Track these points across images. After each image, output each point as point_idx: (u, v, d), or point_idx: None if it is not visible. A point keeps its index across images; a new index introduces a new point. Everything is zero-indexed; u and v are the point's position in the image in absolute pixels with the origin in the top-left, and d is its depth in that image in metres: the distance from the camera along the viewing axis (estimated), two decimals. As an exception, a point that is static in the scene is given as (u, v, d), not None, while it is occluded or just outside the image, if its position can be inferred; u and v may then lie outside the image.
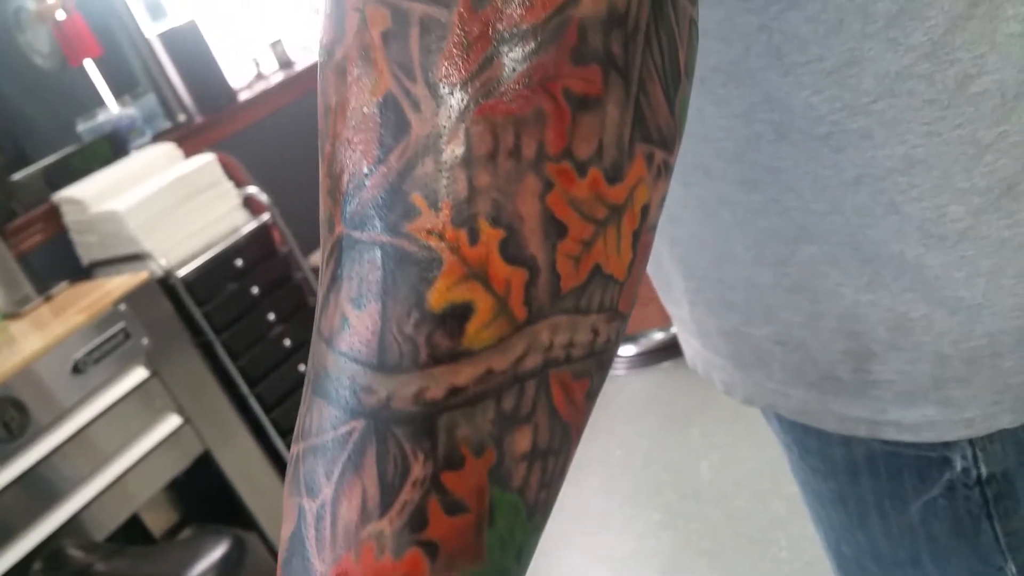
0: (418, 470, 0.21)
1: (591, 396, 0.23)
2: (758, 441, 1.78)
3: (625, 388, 2.21)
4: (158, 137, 2.13)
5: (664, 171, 0.23)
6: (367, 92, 0.21)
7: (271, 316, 1.92)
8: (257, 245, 1.93)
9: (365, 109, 0.21)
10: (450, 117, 0.20)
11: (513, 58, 0.20)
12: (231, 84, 2.31)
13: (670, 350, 2.20)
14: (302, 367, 1.95)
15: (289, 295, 1.98)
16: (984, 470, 0.43)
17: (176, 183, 1.81)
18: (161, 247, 1.76)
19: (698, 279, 0.47)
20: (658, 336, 2.23)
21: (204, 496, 1.95)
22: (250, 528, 1.89)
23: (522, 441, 0.22)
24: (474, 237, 0.20)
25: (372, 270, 0.21)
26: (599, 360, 0.23)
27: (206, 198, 1.87)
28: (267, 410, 1.88)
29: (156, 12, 2.22)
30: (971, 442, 0.42)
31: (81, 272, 1.90)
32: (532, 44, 0.20)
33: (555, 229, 0.21)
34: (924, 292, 0.38)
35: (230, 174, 1.97)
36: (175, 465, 1.68)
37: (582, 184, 0.21)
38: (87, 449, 1.55)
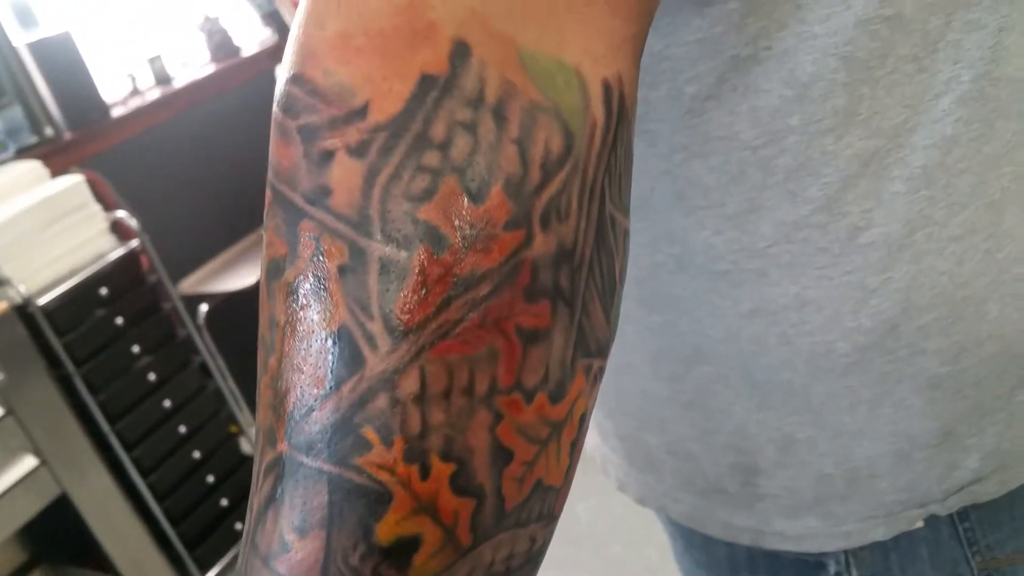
0: None
1: None
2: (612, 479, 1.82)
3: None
4: (22, 152, 2.00)
5: (599, 375, 0.24)
6: (320, 321, 0.21)
7: (136, 348, 1.82)
8: (124, 272, 1.83)
9: (316, 338, 0.21)
10: (405, 356, 0.21)
11: (470, 300, 0.21)
12: (104, 99, 2.19)
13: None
14: (167, 403, 1.87)
15: (156, 326, 1.88)
16: (855, 573, 0.45)
17: (40, 205, 1.70)
18: (21, 273, 1.65)
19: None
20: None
21: (56, 534, 1.83)
22: (105, 570, 1.78)
23: None
24: (425, 473, 0.21)
25: (317, 497, 0.21)
26: (535, 563, 0.24)
27: (71, 221, 1.77)
28: (128, 448, 1.78)
29: (26, 20, 2.09)
30: (845, 549, 0.45)
31: (-73, 296, 1.75)
32: (488, 287, 0.21)
33: (502, 457, 0.21)
34: (810, 416, 0.40)
35: (98, 195, 1.87)
36: (29, 508, 1.57)
37: (529, 410, 0.22)
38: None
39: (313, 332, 0.21)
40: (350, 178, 0.21)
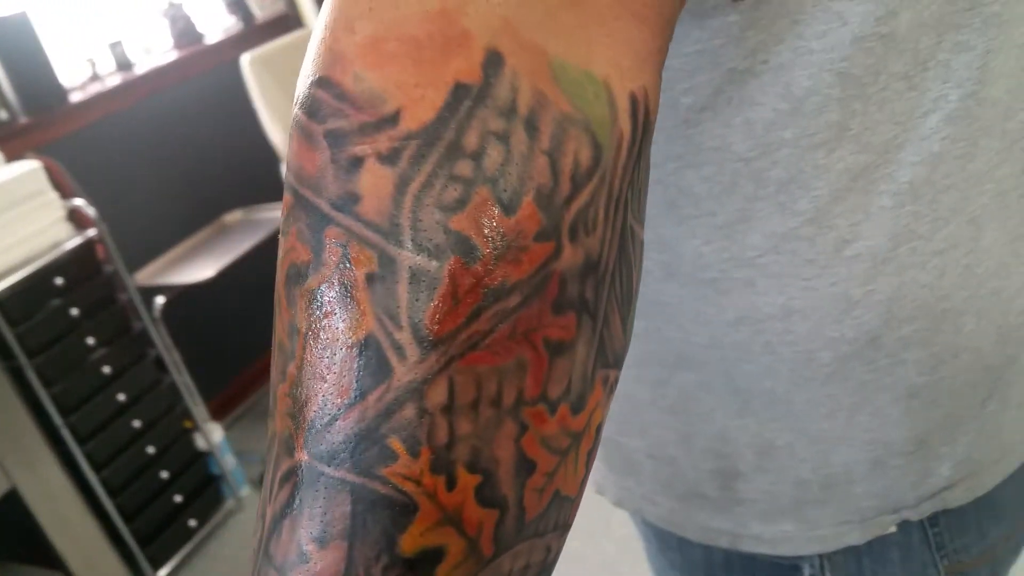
0: None
1: None
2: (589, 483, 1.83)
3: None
4: (-26, 136, 1.94)
5: (614, 386, 0.24)
6: (346, 329, 0.21)
7: (90, 340, 1.79)
8: (80, 262, 1.80)
9: (341, 346, 0.21)
10: (434, 366, 0.20)
11: (500, 311, 0.21)
12: (62, 83, 2.14)
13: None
14: (121, 396, 1.83)
15: (111, 318, 1.85)
16: (829, 576, 0.46)
17: (-6, 191, 1.66)
18: (-29, 261, 1.61)
19: None
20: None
21: (4, 530, 1.78)
22: (55, 567, 1.74)
23: None
24: (452, 484, 0.20)
25: (338, 507, 0.20)
26: (548, 573, 0.24)
27: (27, 209, 1.73)
28: (81, 442, 1.75)
29: (-20, 0, 2.04)
30: (820, 553, 0.46)
31: None
32: (518, 299, 0.21)
33: (526, 468, 0.22)
34: (790, 423, 0.41)
35: (55, 182, 1.83)
36: (-26, 504, 1.53)
37: (552, 422, 0.22)
38: None
39: (338, 340, 0.21)
40: (380, 185, 0.21)
